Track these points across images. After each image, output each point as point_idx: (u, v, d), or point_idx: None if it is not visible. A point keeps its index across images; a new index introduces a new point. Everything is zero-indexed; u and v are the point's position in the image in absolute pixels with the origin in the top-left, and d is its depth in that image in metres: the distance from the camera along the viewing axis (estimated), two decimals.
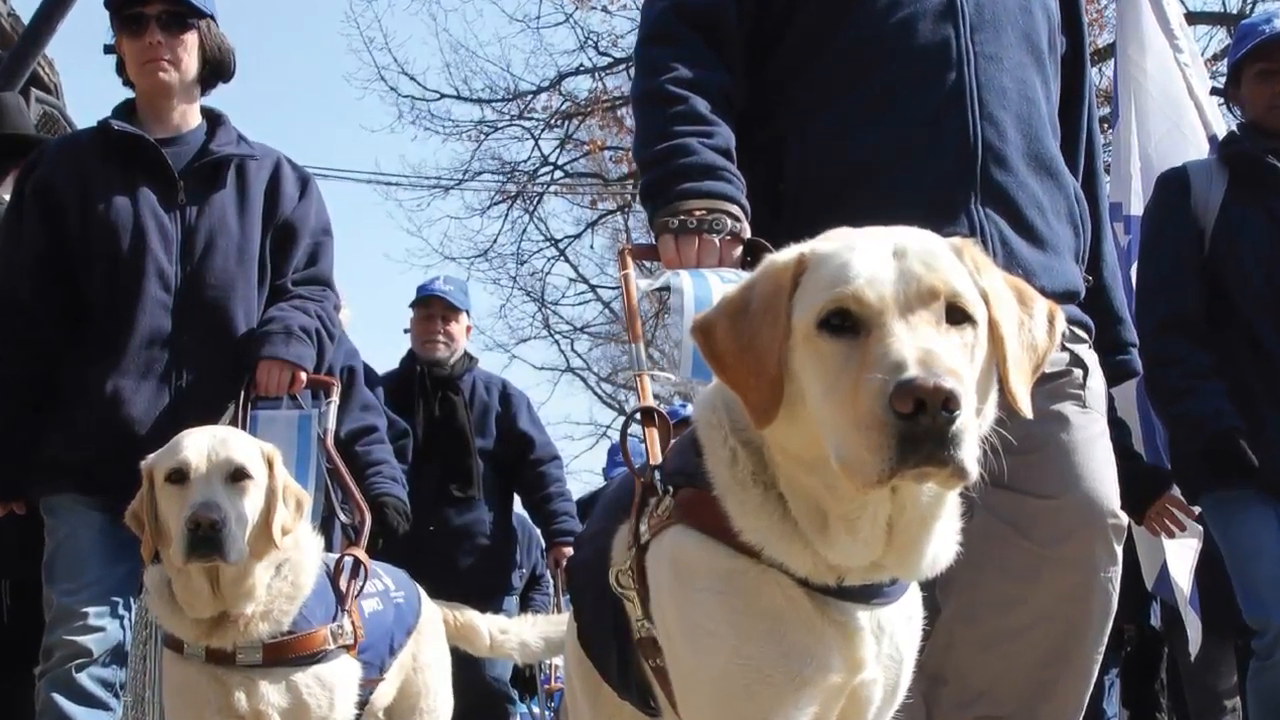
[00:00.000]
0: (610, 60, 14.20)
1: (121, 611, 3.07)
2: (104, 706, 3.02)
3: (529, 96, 14.97)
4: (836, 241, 1.49)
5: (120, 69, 3.37)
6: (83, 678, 2.97)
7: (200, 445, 2.63)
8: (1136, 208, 4.39)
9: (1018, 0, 2.40)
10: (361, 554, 2.93)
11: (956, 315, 1.41)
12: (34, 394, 3.18)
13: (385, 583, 3.11)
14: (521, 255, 16.89)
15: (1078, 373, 2.35)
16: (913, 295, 1.38)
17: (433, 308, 5.20)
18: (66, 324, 3.19)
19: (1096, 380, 2.39)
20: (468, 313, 5.32)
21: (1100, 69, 9.90)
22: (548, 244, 17.24)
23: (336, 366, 3.94)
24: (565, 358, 20.42)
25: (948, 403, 1.27)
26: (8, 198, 3.52)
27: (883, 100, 2.29)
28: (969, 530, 1.62)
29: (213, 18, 3.37)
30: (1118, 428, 3.19)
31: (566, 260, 17.97)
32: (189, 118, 3.38)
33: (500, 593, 5.12)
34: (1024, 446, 1.63)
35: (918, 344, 1.32)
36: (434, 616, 3.33)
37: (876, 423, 1.29)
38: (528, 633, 3.65)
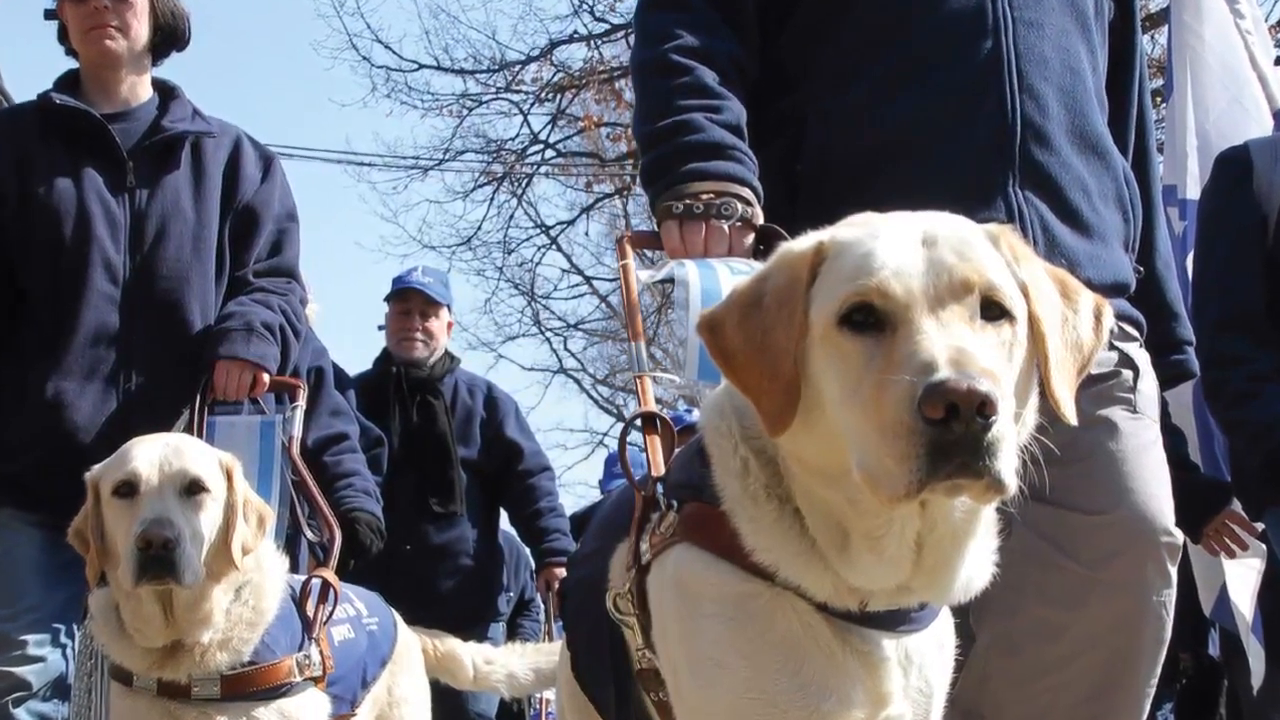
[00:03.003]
0: (607, 27, 14.19)
1: (64, 640, 3.08)
2: None
3: (517, 67, 14.95)
4: (859, 228, 1.50)
5: (62, 36, 3.37)
6: (20, 713, 2.98)
7: (151, 455, 2.63)
8: (1193, 191, 4.40)
9: None
10: (331, 576, 2.93)
11: (992, 310, 1.41)
12: None
13: (357, 608, 3.11)
14: (509, 243, 16.89)
15: (1127, 374, 2.35)
16: (944, 288, 1.39)
17: (410, 302, 5.20)
18: (2, 320, 3.19)
19: (1148, 383, 2.39)
20: (449, 307, 5.32)
21: (1152, 36, 9.91)
22: (538, 231, 17.26)
23: (303, 367, 3.94)
24: (557, 357, 20.45)
25: (983, 407, 1.27)
26: None
27: (911, 71, 2.29)
28: (1007, 549, 1.62)
29: None
30: (1172, 435, 3.19)
31: (559, 249, 18.03)
32: (139, 90, 3.39)
33: (485, 619, 5.12)
34: (1068, 456, 1.63)
35: (949, 342, 1.33)
36: (411, 645, 3.33)
37: (904, 430, 1.30)
38: (516, 663, 3.66)
